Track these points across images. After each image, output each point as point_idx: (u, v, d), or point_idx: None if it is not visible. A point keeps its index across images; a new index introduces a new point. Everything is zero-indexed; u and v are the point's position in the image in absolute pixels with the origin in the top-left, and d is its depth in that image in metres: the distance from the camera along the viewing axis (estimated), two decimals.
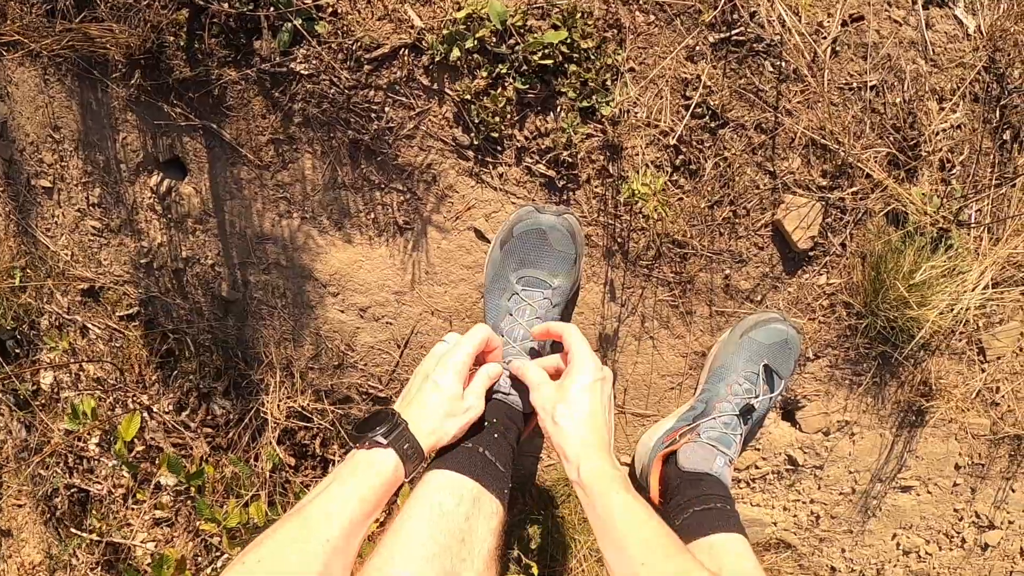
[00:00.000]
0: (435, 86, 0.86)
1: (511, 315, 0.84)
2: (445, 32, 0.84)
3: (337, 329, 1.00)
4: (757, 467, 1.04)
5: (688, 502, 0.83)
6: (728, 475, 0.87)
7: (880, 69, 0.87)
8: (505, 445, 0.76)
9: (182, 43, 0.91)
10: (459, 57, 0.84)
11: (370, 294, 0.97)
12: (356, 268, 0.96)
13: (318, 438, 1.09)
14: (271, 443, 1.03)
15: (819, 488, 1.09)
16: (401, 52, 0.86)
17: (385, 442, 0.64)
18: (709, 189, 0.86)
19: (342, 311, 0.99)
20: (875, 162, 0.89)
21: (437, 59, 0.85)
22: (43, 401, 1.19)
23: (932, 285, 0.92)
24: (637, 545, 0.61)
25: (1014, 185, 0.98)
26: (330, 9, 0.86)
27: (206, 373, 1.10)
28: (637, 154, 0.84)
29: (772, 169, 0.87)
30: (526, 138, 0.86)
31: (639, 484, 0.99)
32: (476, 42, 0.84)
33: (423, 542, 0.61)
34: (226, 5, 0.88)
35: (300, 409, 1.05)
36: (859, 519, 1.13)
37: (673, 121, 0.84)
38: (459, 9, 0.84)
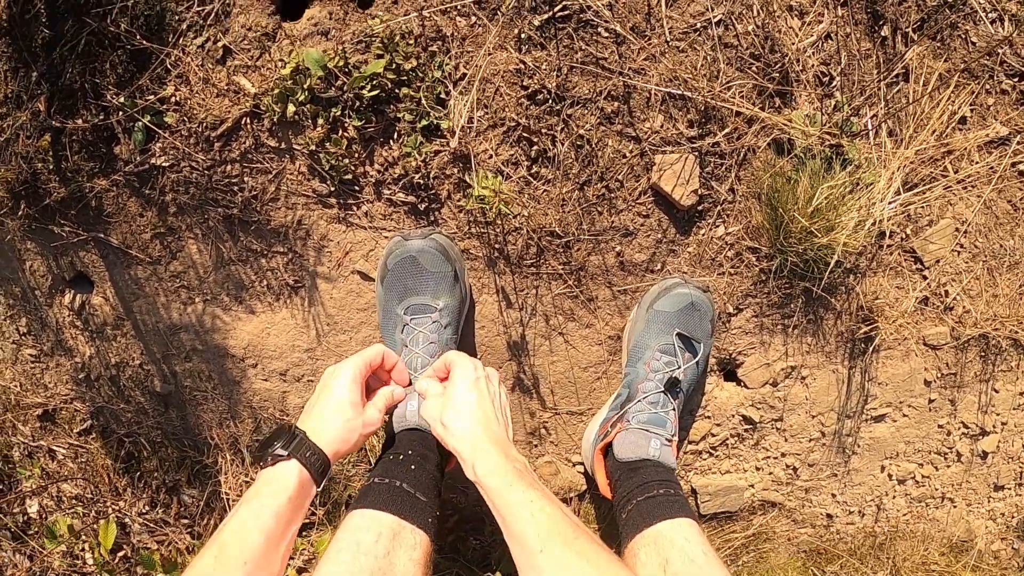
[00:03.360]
0: (282, 145, 0.81)
1: (407, 346, 0.77)
2: (276, 92, 0.78)
3: (266, 398, 0.95)
4: (713, 434, 0.94)
5: (630, 494, 0.74)
6: (671, 455, 0.78)
7: (724, 1, 0.79)
8: (424, 475, 0.70)
9: (51, 166, 0.87)
10: (295, 111, 0.79)
11: (284, 357, 0.92)
12: (265, 336, 0.91)
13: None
14: None
15: (786, 440, 0.98)
16: (243, 122, 0.81)
17: (286, 453, 0.62)
18: (574, 171, 0.78)
19: (265, 379, 0.94)
20: (741, 97, 0.79)
21: (276, 119, 0.79)
22: (36, 529, 1.17)
23: (836, 206, 0.81)
24: (535, 534, 0.57)
25: (908, 79, 0.88)
26: (172, 99, 0.82)
27: (168, 467, 1.05)
28: (490, 157, 0.77)
29: (635, 134, 0.78)
30: (378, 171, 0.79)
31: (592, 482, 0.90)
32: (307, 93, 0.78)
33: None
34: (80, 121, 0.85)
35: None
36: (839, 460, 1.01)
37: (516, 114, 0.77)
38: (284, 66, 0.79)
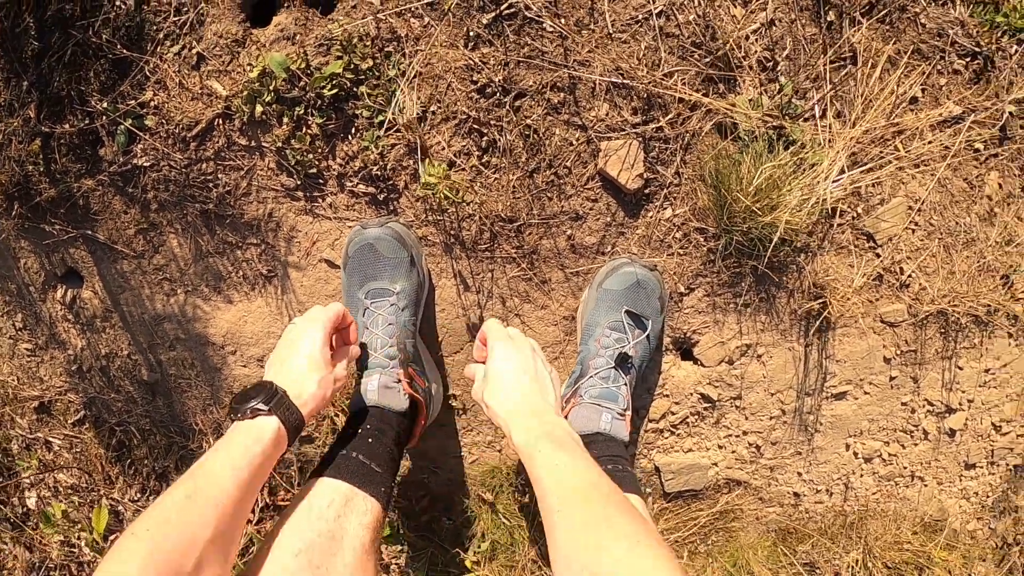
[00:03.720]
0: (252, 143, 0.86)
1: (368, 328, 0.81)
2: (245, 94, 0.84)
3: (245, 383, 0.99)
4: (673, 413, 0.96)
5: None
6: (623, 429, 0.80)
7: None
8: (380, 447, 0.74)
9: (41, 168, 0.94)
10: (262, 111, 0.84)
11: (260, 343, 0.96)
12: (242, 324, 0.96)
13: (265, 488, 1.07)
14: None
15: (746, 418, 1.00)
16: (216, 122, 0.86)
17: (266, 408, 0.63)
18: (523, 160, 0.82)
19: (244, 366, 0.98)
20: (684, 84, 0.83)
21: (245, 119, 0.84)
22: (35, 521, 1.22)
23: (779, 186, 0.84)
24: (555, 495, 0.58)
25: (856, 63, 0.90)
26: (151, 103, 0.88)
27: (156, 454, 1.10)
28: (443, 148, 0.82)
29: (581, 122, 0.82)
30: (340, 165, 0.84)
31: None
32: (272, 94, 0.83)
33: (292, 540, 0.62)
34: (67, 126, 0.92)
35: None
36: (803, 438, 1.03)
37: (467, 108, 0.81)
38: (252, 70, 0.84)
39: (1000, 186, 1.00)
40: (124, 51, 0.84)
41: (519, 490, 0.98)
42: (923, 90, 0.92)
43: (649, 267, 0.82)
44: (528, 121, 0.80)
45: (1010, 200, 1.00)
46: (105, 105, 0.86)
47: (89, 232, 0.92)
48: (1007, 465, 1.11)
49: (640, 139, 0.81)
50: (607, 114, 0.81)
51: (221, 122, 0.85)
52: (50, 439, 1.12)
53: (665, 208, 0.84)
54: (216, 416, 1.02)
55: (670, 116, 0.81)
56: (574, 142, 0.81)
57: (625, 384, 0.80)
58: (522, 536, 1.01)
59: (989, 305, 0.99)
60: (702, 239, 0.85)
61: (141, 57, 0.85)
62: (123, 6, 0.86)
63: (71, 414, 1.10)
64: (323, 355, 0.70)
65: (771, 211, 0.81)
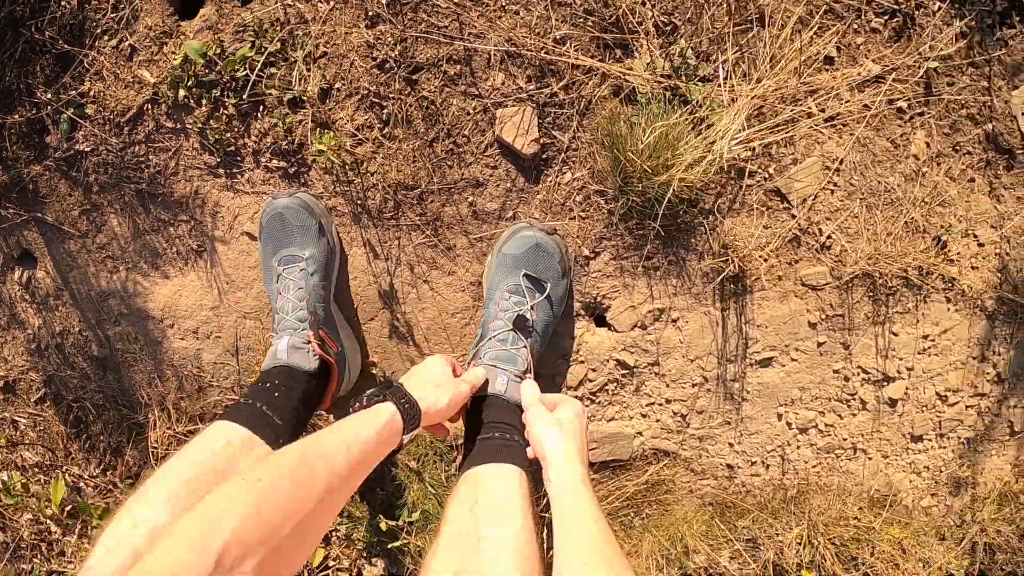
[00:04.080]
0: (178, 125, 0.92)
1: (280, 294, 0.85)
2: (169, 80, 0.90)
3: (184, 356, 1.04)
4: (590, 379, 0.96)
5: (473, 432, 0.77)
6: (524, 391, 0.80)
7: None
8: (285, 403, 0.76)
9: None
10: (185, 95, 0.90)
11: (194, 316, 1.01)
12: (178, 297, 1.01)
13: None
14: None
15: (667, 386, 0.99)
16: (145, 108, 0.93)
17: (381, 396, 0.66)
18: (423, 130, 0.85)
19: (182, 339, 1.03)
20: (578, 51, 0.85)
21: (171, 103, 0.91)
22: (17, 494, 1.28)
23: (675, 145, 0.85)
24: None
25: (764, 24, 0.90)
26: (91, 93, 0.95)
27: (111, 430, 1.15)
28: (347, 123, 0.86)
29: (477, 92, 0.85)
30: (255, 142, 0.88)
31: None
32: (193, 78, 0.90)
33: (184, 469, 0.64)
34: (16, 116, 1.00)
35: (183, 436, 1.09)
36: (730, 407, 1.01)
37: (368, 83, 0.84)
38: (175, 58, 0.91)
39: (928, 145, 0.98)
40: (67, 46, 0.91)
41: (443, 458, 1.00)
42: (838, 49, 0.92)
43: (548, 231, 0.83)
44: (425, 93, 0.83)
45: (939, 159, 0.97)
46: (49, 96, 0.93)
47: (39, 215, 1.00)
48: (958, 438, 1.07)
49: (535, 105, 0.83)
50: (503, 83, 0.84)
51: (150, 107, 0.91)
52: (16, 418, 1.19)
53: (564, 172, 0.86)
54: (160, 389, 1.07)
55: (564, 82, 0.83)
56: (471, 111, 0.84)
57: (525, 346, 0.81)
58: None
59: (921, 267, 0.97)
60: (602, 202, 0.86)
61: (81, 51, 0.92)
62: (67, 5, 0.93)
63: (33, 392, 1.17)
64: (444, 371, 0.74)
65: (666, 171, 0.81)
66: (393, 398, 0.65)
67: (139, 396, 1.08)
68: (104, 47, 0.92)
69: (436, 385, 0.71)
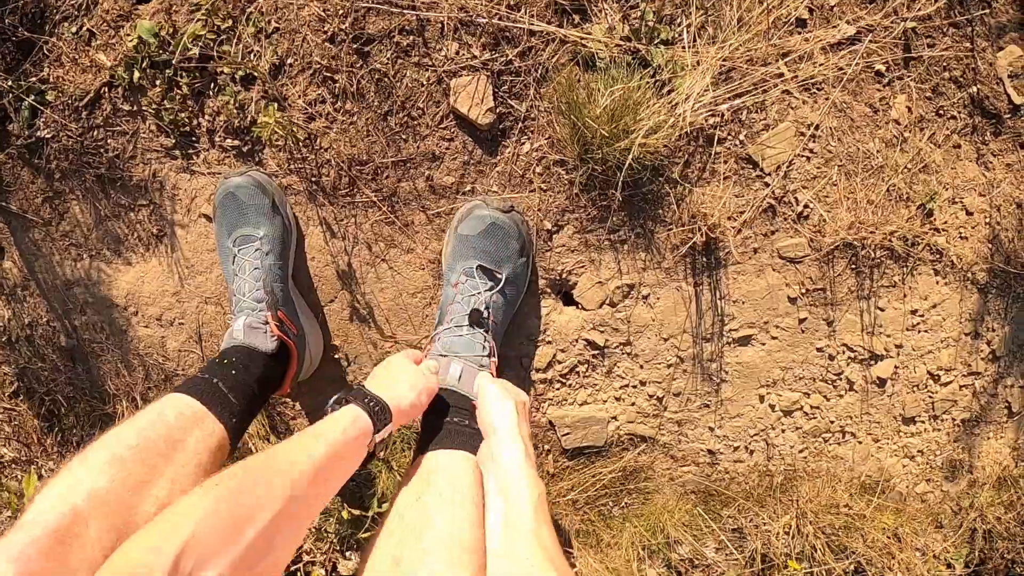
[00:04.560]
0: (134, 108, 0.90)
1: (236, 275, 0.82)
2: (124, 62, 0.89)
3: (149, 344, 1.02)
4: (560, 361, 0.91)
5: (429, 415, 0.73)
6: (482, 377, 0.75)
7: None
8: (241, 380, 0.74)
9: None
10: (140, 76, 0.88)
11: (157, 303, 0.99)
12: (140, 284, 0.99)
13: None
14: None
15: (641, 367, 0.94)
16: (102, 91, 0.92)
17: (350, 397, 0.63)
18: (376, 103, 0.82)
19: (146, 326, 1.01)
20: (533, 17, 0.81)
21: (126, 85, 0.89)
22: None
23: (635, 110, 0.81)
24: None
25: None
26: (50, 79, 0.94)
27: (83, 422, 1.14)
28: (299, 98, 0.83)
29: (431, 63, 0.82)
30: (209, 121, 0.86)
31: None
32: (147, 59, 0.88)
33: (131, 436, 0.62)
34: None
35: None
36: (708, 389, 0.96)
37: (320, 57, 0.82)
38: (130, 39, 0.89)
39: (909, 110, 0.93)
40: (27, 33, 0.90)
41: (410, 446, 0.96)
42: (810, 11, 0.88)
43: (504, 208, 0.79)
44: (378, 65, 0.80)
45: (922, 124, 0.92)
46: (10, 84, 0.93)
47: (4, 203, 0.99)
48: (953, 420, 1.00)
49: (489, 74, 0.80)
50: (457, 52, 0.81)
51: (107, 91, 0.90)
52: None
53: (523, 143, 0.82)
54: (128, 380, 1.04)
55: (520, 49, 0.80)
56: (424, 83, 0.81)
57: (484, 331, 0.77)
58: None
59: (906, 237, 0.91)
60: (563, 172, 0.82)
61: (41, 38, 0.91)
62: None
63: (7, 386, 1.16)
64: (409, 368, 0.70)
65: (626, 136, 0.78)
66: (356, 400, 0.62)
67: (107, 387, 1.06)
68: (64, 33, 0.91)
69: (401, 382, 0.67)
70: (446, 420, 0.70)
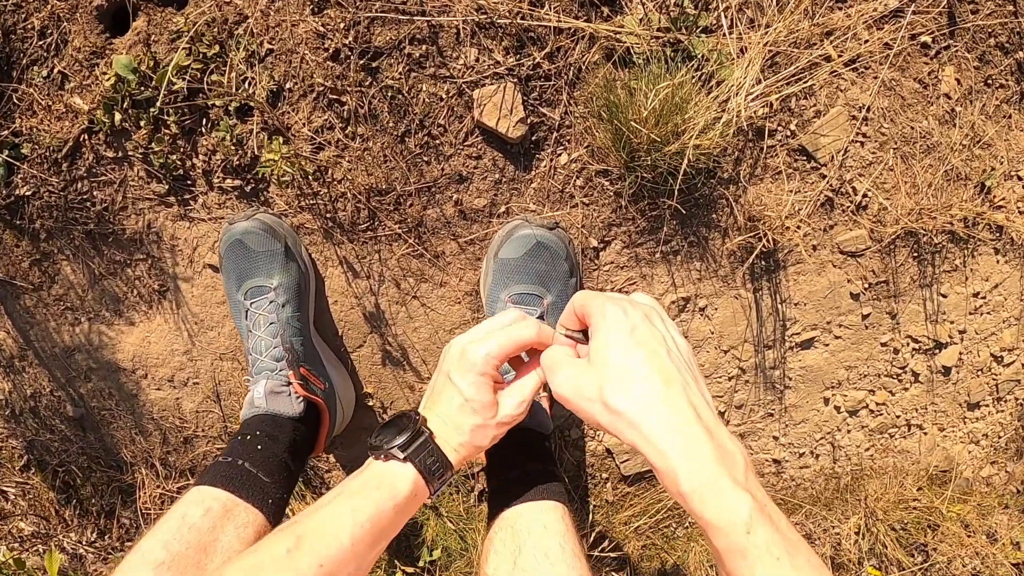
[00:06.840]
0: (119, 154, 0.76)
1: (251, 332, 0.69)
2: (103, 104, 0.75)
3: (163, 407, 0.88)
4: None
5: (498, 464, 0.61)
6: (545, 416, 0.65)
7: None
8: (270, 456, 0.61)
9: None
10: (122, 119, 0.74)
11: (167, 363, 0.85)
12: (147, 345, 0.85)
13: None
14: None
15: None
16: (82, 139, 0.77)
17: (402, 456, 0.45)
18: (390, 124, 0.70)
19: (158, 389, 0.88)
20: (559, 12, 0.69)
21: (108, 129, 0.75)
22: (9, 573, 1.14)
23: (683, 108, 0.69)
24: None
25: None
26: (23, 130, 0.80)
27: (101, 492, 1.00)
28: (303, 126, 0.70)
29: (448, 73, 0.69)
30: (204, 161, 0.72)
31: None
32: (127, 98, 0.74)
33: (155, 552, 0.53)
34: None
35: (175, 493, 0.94)
36: (772, 397, 0.85)
37: (323, 79, 0.68)
38: (107, 78, 0.75)
39: (958, 82, 0.82)
40: None
41: (458, 489, 0.84)
42: None
43: (548, 226, 0.67)
44: (389, 82, 0.67)
45: (972, 96, 0.81)
46: None
47: None
48: (1016, 399, 0.91)
49: (516, 81, 0.67)
50: (477, 59, 0.68)
51: (87, 137, 0.75)
52: (3, 488, 1.04)
53: (559, 154, 0.70)
54: (144, 445, 0.91)
55: (547, 50, 0.67)
56: (444, 97, 0.68)
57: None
58: (475, 539, 0.87)
59: (966, 218, 0.81)
60: (607, 183, 0.70)
61: (8, 85, 0.76)
62: None
63: (16, 460, 1.02)
64: (481, 398, 0.47)
65: (677, 138, 0.66)
66: (416, 459, 0.45)
67: (123, 455, 0.93)
68: (34, 78, 0.76)
69: (472, 425, 0.47)
70: (529, 466, 0.58)
